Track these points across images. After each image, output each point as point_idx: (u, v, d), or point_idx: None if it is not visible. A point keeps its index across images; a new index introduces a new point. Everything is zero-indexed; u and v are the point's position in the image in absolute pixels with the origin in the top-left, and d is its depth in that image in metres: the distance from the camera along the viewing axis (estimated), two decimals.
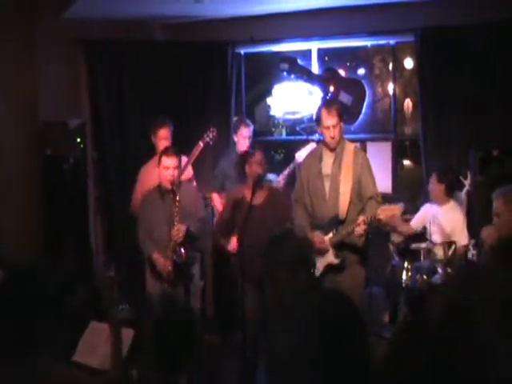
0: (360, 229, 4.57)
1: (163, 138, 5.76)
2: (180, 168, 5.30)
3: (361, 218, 4.58)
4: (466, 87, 6.16)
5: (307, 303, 1.87)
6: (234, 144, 6.37)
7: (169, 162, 5.09)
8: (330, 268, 4.78)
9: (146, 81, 6.90)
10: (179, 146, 5.98)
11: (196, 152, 5.81)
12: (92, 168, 6.71)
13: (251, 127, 6.20)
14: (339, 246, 4.79)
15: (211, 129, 5.91)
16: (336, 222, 4.78)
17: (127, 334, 3.88)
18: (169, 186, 5.09)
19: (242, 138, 6.10)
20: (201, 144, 5.83)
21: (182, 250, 5.08)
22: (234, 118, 6.84)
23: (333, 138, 4.81)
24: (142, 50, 6.98)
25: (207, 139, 5.87)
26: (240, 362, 4.75)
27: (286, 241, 3.19)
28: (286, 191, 5.68)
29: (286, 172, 5.98)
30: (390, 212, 4.62)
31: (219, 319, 6.27)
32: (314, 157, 5.01)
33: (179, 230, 5.04)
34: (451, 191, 5.79)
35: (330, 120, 4.80)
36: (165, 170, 5.09)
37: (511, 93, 6.00)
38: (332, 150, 4.88)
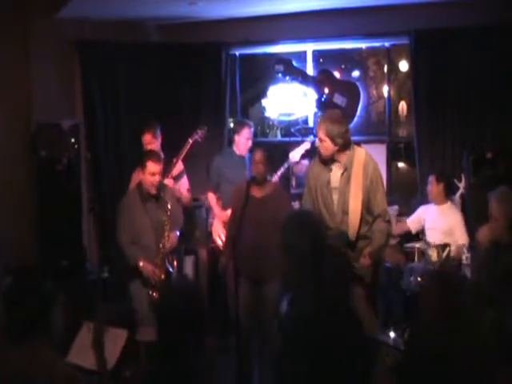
0: (365, 261, 4.42)
1: (147, 143, 5.85)
2: (165, 172, 5.35)
3: (366, 251, 4.44)
4: (460, 90, 6.19)
5: None
6: (230, 145, 6.34)
7: (155, 168, 5.00)
8: None
9: (140, 82, 6.88)
10: (172, 148, 6.01)
11: (185, 149, 5.91)
12: (86, 169, 6.69)
13: (253, 128, 6.16)
14: None
15: (201, 126, 6.01)
16: (344, 240, 4.50)
17: (121, 335, 3.86)
18: (154, 192, 5.04)
19: (245, 139, 6.00)
20: (190, 141, 5.92)
21: (174, 259, 5.10)
22: (230, 120, 6.84)
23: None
24: (136, 52, 6.96)
25: (196, 137, 5.96)
26: (236, 364, 4.74)
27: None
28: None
29: (279, 172, 5.96)
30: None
31: (214, 321, 6.24)
32: (324, 165, 4.64)
33: (172, 239, 5.04)
34: (449, 191, 5.87)
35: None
36: (150, 175, 5.00)
37: (505, 95, 6.03)
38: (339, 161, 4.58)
